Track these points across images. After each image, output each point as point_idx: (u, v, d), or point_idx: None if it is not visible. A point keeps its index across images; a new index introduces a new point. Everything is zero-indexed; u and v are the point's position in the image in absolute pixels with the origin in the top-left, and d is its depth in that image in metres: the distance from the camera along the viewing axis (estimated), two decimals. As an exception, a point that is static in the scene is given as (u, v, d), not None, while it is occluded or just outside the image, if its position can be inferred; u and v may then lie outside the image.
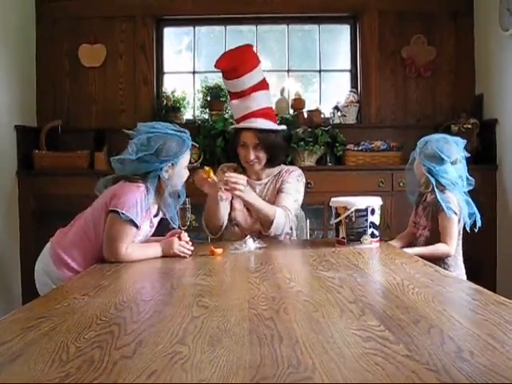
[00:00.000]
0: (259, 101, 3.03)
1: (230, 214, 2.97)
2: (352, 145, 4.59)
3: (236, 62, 2.98)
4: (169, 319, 1.37)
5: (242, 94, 3.00)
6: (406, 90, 4.84)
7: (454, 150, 2.80)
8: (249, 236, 2.65)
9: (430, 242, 2.76)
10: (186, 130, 2.54)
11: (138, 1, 4.81)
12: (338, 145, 4.56)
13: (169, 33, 5.12)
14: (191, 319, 1.37)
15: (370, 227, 2.61)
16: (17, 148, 4.40)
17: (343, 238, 2.65)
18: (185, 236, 2.54)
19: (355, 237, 2.62)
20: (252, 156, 2.96)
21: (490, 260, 4.38)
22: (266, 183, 3.09)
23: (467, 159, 2.88)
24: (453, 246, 2.70)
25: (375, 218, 2.63)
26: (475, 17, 4.73)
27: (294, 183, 3.06)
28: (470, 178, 2.86)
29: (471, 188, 2.88)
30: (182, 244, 2.48)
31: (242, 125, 2.99)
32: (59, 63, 4.82)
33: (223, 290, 1.75)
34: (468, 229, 2.84)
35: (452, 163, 2.78)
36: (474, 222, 2.84)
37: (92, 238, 2.41)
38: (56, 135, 4.57)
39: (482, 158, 4.46)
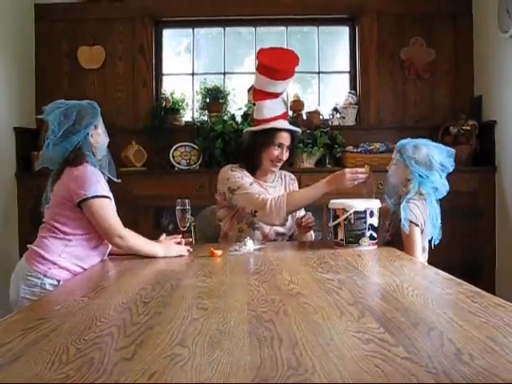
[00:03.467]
0: (283, 104, 3.12)
1: (253, 214, 2.94)
2: (351, 146, 4.60)
3: (288, 65, 3.00)
4: (168, 321, 1.37)
5: (274, 95, 3.04)
6: (405, 92, 4.85)
7: (440, 157, 2.73)
8: (248, 237, 2.66)
9: (391, 246, 2.69)
10: None
11: (136, 2, 4.82)
12: (337, 146, 4.57)
13: (168, 34, 5.12)
14: (191, 321, 1.37)
15: (368, 229, 2.61)
16: (16, 149, 4.41)
17: (342, 240, 2.65)
18: (182, 242, 2.63)
19: (354, 239, 2.62)
20: (285, 156, 3.03)
21: (489, 262, 4.39)
22: (275, 186, 3.12)
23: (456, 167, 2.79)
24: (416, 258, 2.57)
25: (374, 221, 2.63)
26: (474, 18, 4.74)
27: None
28: (446, 185, 2.75)
29: (443, 196, 2.78)
30: (181, 247, 2.56)
31: (284, 125, 3.03)
32: (58, 65, 4.83)
33: (223, 292, 1.75)
34: (433, 242, 2.75)
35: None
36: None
37: (67, 232, 2.39)
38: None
39: (480, 160, 4.47)
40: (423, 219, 2.66)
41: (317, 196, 2.87)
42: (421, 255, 2.64)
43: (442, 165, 2.71)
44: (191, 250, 2.56)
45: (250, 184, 2.95)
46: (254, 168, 3.05)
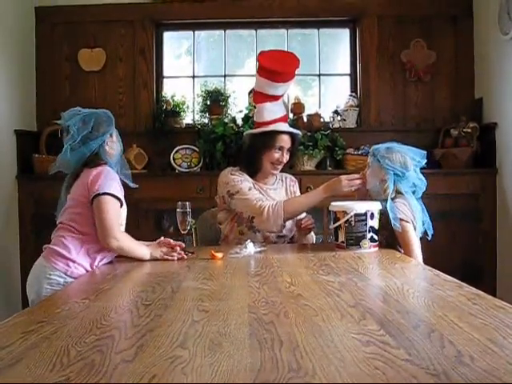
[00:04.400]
0: (283, 107, 3.12)
1: (251, 220, 2.95)
2: (352, 149, 4.60)
3: (289, 67, 3.00)
4: (169, 323, 1.38)
5: (275, 98, 3.04)
6: (406, 94, 4.85)
7: (413, 156, 2.76)
8: (249, 240, 2.66)
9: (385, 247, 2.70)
10: None
11: (137, 5, 4.82)
12: (337, 149, 4.58)
13: (168, 37, 5.13)
14: (191, 323, 1.37)
15: (369, 231, 2.61)
16: (16, 152, 4.41)
17: (342, 242, 2.65)
18: (176, 245, 2.60)
19: (354, 241, 2.62)
20: (285, 159, 3.04)
21: (490, 264, 4.38)
22: (276, 189, 3.12)
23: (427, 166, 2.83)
24: (415, 255, 2.59)
25: (374, 223, 2.63)
26: (475, 20, 4.74)
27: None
28: (422, 179, 2.77)
29: (423, 191, 2.80)
30: (168, 251, 2.55)
31: (284, 128, 3.03)
32: (59, 67, 4.83)
33: (223, 294, 1.75)
34: (419, 236, 2.73)
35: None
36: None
37: (84, 231, 2.44)
38: (56, 139, 4.55)
39: (481, 162, 4.47)
40: (412, 215, 2.66)
41: (314, 203, 2.90)
42: (419, 251, 2.64)
43: (416, 160, 2.74)
44: (185, 255, 2.54)
45: (249, 189, 2.95)
46: (254, 171, 3.05)
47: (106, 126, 2.56)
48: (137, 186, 2.69)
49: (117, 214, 2.45)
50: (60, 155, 2.56)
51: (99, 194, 2.39)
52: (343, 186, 2.80)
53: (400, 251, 2.65)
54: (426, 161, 2.77)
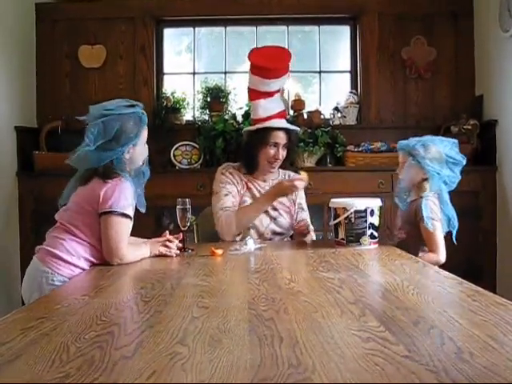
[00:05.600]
0: (280, 103, 3.12)
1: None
2: (352, 146, 4.60)
3: (280, 63, 3.00)
4: (169, 319, 1.38)
5: (270, 94, 3.03)
6: (406, 91, 4.85)
7: (447, 150, 2.75)
8: (249, 237, 2.66)
9: (405, 244, 2.70)
10: (139, 103, 2.47)
11: (137, 2, 4.82)
12: (337, 146, 4.57)
13: (169, 34, 5.12)
14: (191, 320, 1.37)
15: (369, 228, 2.61)
16: (17, 149, 4.41)
17: (342, 239, 2.65)
18: (171, 238, 2.59)
19: (354, 238, 2.62)
20: (281, 155, 3.02)
21: (490, 263, 4.38)
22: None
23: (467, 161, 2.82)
24: (442, 254, 2.63)
25: (374, 219, 2.63)
26: (475, 18, 4.73)
27: (303, 195, 3.19)
28: (456, 176, 2.78)
29: (452, 188, 2.81)
30: (166, 243, 2.54)
31: (278, 124, 3.02)
32: (59, 64, 4.82)
33: (223, 291, 1.75)
34: (454, 237, 2.76)
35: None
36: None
37: (85, 240, 2.34)
38: (56, 136, 4.57)
39: (481, 159, 4.47)
40: (440, 214, 2.68)
41: (263, 208, 2.96)
42: (444, 249, 2.65)
43: (452, 157, 2.73)
44: (177, 251, 2.54)
45: (226, 195, 2.97)
46: (252, 168, 3.06)
47: (131, 135, 2.36)
48: (144, 211, 2.54)
49: (126, 233, 2.37)
50: (72, 160, 2.42)
51: (110, 212, 2.29)
52: (285, 187, 2.87)
53: (423, 250, 2.65)
54: (463, 156, 2.77)
